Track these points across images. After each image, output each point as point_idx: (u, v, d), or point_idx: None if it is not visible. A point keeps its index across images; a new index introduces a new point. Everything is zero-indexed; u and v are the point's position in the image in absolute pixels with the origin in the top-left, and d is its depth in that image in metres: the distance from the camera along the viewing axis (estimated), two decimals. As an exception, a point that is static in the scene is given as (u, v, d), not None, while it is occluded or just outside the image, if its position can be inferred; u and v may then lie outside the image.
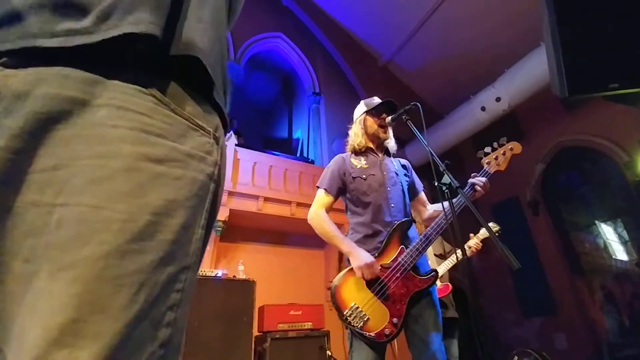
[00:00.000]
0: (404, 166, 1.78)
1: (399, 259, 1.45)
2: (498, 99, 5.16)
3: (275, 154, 5.51)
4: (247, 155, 4.95)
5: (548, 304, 5.46)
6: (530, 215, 6.00)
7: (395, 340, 1.41)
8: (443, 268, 2.75)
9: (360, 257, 1.43)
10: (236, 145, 4.86)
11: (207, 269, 3.97)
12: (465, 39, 5.94)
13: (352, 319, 1.40)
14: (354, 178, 1.63)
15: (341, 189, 1.66)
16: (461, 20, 5.74)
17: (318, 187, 1.69)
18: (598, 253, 5.31)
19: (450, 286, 2.71)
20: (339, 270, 5.03)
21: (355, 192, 1.62)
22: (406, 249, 1.47)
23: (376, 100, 1.78)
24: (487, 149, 1.70)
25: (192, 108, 0.46)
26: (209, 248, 4.32)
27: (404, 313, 1.38)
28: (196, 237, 0.43)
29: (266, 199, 4.67)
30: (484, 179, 1.58)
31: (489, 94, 5.28)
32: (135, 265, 0.34)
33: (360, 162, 1.68)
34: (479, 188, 1.54)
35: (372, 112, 1.75)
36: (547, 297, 5.49)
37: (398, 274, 1.42)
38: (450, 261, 2.65)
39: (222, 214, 4.27)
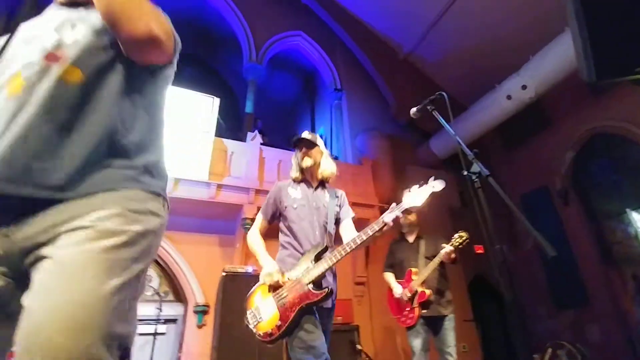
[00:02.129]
0: (337, 197, 1.94)
1: (302, 276, 1.64)
2: (524, 87, 4.98)
3: (299, 152, 5.57)
4: (272, 154, 5.04)
5: (580, 295, 5.30)
6: (561, 204, 5.78)
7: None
8: (425, 272, 2.78)
9: (265, 267, 1.69)
10: (261, 144, 4.95)
11: (238, 265, 4.09)
12: (487, 27, 5.73)
13: (250, 319, 1.66)
14: (285, 207, 1.85)
15: (274, 214, 1.90)
16: (482, 8, 5.55)
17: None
18: (630, 242, 5.08)
19: (427, 293, 2.76)
20: (366, 265, 5.05)
21: (286, 219, 1.85)
22: (312, 267, 1.65)
23: (303, 135, 1.96)
24: (414, 187, 1.84)
25: None
26: (238, 245, 4.43)
27: (289, 319, 1.55)
28: None
29: (292, 196, 4.74)
30: (396, 214, 1.72)
31: (514, 82, 5.10)
32: None
33: (295, 192, 1.89)
34: (391, 223, 1.69)
35: (295, 147, 1.95)
36: (579, 289, 5.32)
37: (298, 286, 1.61)
38: (431, 266, 2.77)
39: (251, 212, 4.36)
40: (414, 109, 1.84)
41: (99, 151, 0.72)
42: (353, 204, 4.85)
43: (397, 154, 6.14)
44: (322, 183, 1.98)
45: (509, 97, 5.19)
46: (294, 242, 1.79)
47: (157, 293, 4.35)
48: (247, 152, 4.80)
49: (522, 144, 6.69)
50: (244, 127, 5.46)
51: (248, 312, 1.68)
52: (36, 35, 0.78)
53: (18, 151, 0.65)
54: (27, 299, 0.58)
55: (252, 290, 1.75)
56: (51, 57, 0.74)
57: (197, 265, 4.39)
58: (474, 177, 1.37)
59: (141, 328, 4.05)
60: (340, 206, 1.94)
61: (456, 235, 2.72)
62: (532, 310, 5.91)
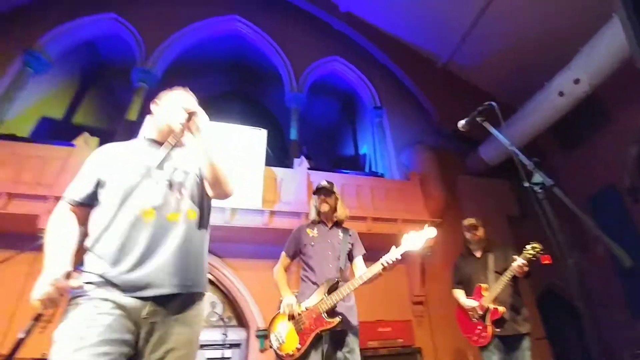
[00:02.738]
0: (349, 235, 2.22)
1: (318, 305, 1.93)
2: (577, 81, 4.64)
3: (345, 172, 5.63)
4: (319, 177, 5.13)
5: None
6: (631, 202, 5.23)
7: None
8: (496, 287, 2.61)
9: (285, 299, 2.02)
10: (308, 168, 5.09)
11: (295, 289, 4.17)
12: (527, 24, 5.50)
13: (273, 341, 1.97)
14: (304, 244, 2.18)
15: (295, 252, 2.25)
16: (520, 6, 5.35)
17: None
18: None
19: (500, 310, 2.59)
20: (423, 284, 4.87)
21: (305, 255, 2.17)
22: (326, 299, 1.93)
23: (322, 183, 2.29)
24: (411, 232, 2.04)
25: None
26: (295, 269, 4.52)
27: (307, 343, 1.85)
28: None
29: (343, 217, 4.77)
30: (394, 258, 1.92)
31: (565, 77, 4.79)
32: None
33: (313, 232, 2.20)
34: (387, 266, 1.90)
35: (315, 194, 2.27)
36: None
37: (314, 315, 1.92)
38: (502, 280, 2.61)
39: (303, 236, 4.46)
40: (462, 122, 1.80)
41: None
42: (403, 221, 4.85)
43: (445, 166, 5.96)
44: (337, 223, 2.26)
45: (561, 94, 4.87)
46: (311, 276, 2.08)
47: (222, 319, 4.56)
48: (296, 177, 4.97)
49: (582, 142, 6.19)
50: (290, 154, 5.67)
51: (271, 335, 1.99)
52: (148, 167, 1.19)
53: (177, 265, 1.10)
54: None
55: (274, 316, 2.07)
56: (176, 199, 1.19)
57: (257, 290, 4.54)
58: (536, 188, 1.30)
59: (208, 353, 4.25)
60: (352, 244, 2.20)
61: (528, 247, 2.53)
62: (607, 319, 5.34)
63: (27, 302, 3.06)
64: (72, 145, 4.31)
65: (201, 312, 1.21)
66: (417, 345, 4.29)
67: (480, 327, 2.64)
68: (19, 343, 1.05)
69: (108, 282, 1.02)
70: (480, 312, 2.63)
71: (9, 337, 3.54)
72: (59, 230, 1.16)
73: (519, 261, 2.51)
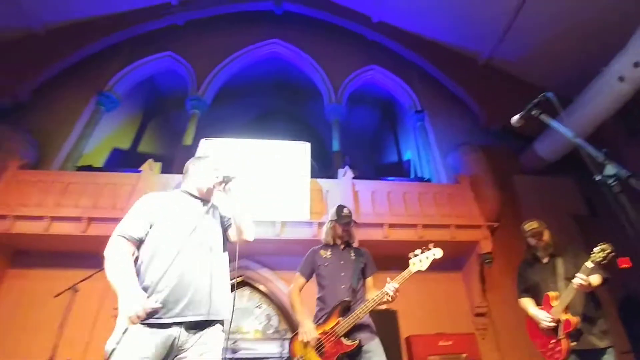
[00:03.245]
0: (361, 255, 2.29)
1: (335, 328, 2.00)
2: (637, 64, 4.22)
3: (390, 180, 5.56)
4: (364, 186, 5.14)
5: None
6: None
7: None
8: (567, 295, 2.29)
9: (303, 325, 2.08)
10: (353, 178, 5.12)
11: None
12: (573, 10, 5.13)
13: None
14: (318, 265, 2.26)
15: (311, 272, 2.31)
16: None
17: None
18: None
19: (573, 321, 2.28)
20: (484, 294, 4.57)
21: (319, 277, 2.24)
22: (342, 321, 2.00)
23: (345, 211, 2.37)
24: (417, 251, 2.13)
25: None
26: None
27: None
28: None
29: (390, 226, 4.67)
30: (395, 286, 1.99)
31: (623, 62, 4.42)
32: None
33: (326, 253, 2.28)
34: (389, 299, 1.97)
35: (338, 222, 2.32)
36: None
37: (333, 338, 1.98)
38: (572, 289, 2.28)
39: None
40: (515, 117, 1.69)
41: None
42: (456, 227, 4.63)
43: (497, 166, 5.63)
44: (349, 244, 2.35)
45: (621, 79, 4.45)
46: (325, 297, 2.16)
47: (277, 331, 4.67)
48: (341, 188, 5.01)
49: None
50: (333, 165, 5.75)
51: (295, 358, 2.05)
52: (191, 216, 1.57)
53: (210, 297, 1.45)
54: None
55: (293, 339, 2.15)
56: (208, 254, 1.52)
57: (310, 303, 4.58)
58: (610, 181, 1.20)
59: (268, 366, 4.35)
60: (365, 264, 2.26)
61: (597, 249, 2.19)
62: None
63: (106, 314, 3.43)
64: (139, 171, 4.81)
65: (217, 337, 1.51)
66: (484, 360, 4.02)
67: (554, 341, 2.39)
68: (112, 352, 1.24)
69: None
70: (552, 324, 2.39)
71: (92, 344, 3.94)
72: (124, 260, 1.42)
73: (577, 279, 2.20)
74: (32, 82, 5.81)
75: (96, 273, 3.15)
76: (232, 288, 1.60)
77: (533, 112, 1.61)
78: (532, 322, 2.55)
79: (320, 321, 2.10)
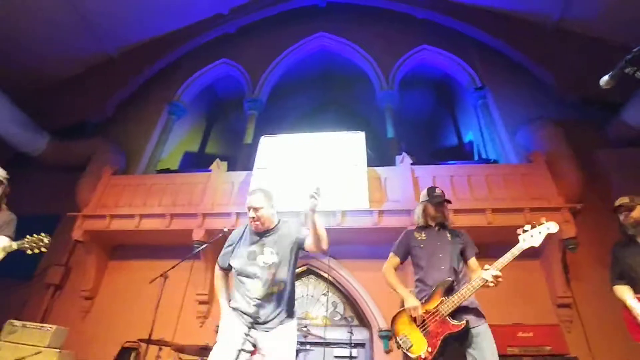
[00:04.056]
0: (458, 236, 2.19)
1: (439, 307, 1.92)
2: None
3: (451, 164, 5.30)
4: (424, 171, 4.97)
5: None
6: None
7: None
8: None
9: (409, 301, 2.00)
10: (411, 164, 4.98)
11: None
12: None
13: (402, 343, 1.95)
14: (413, 247, 2.21)
15: (405, 253, 2.27)
16: None
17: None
18: None
19: None
20: (568, 283, 4.15)
21: (415, 257, 2.20)
22: (446, 300, 1.92)
23: (437, 191, 2.29)
24: (527, 227, 1.96)
25: None
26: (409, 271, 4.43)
27: (436, 347, 1.84)
28: None
29: (456, 211, 4.43)
30: (494, 273, 1.86)
31: None
32: None
33: (421, 235, 2.23)
34: (490, 284, 1.86)
35: (430, 202, 2.26)
36: None
37: (437, 318, 1.91)
38: None
39: (414, 233, 4.35)
40: (604, 79, 1.46)
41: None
42: (531, 210, 4.26)
43: (578, 140, 5.04)
44: (444, 225, 2.25)
45: None
46: (424, 278, 2.08)
47: (345, 318, 4.77)
48: (399, 175, 4.91)
49: None
50: (389, 152, 5.64)
51: (398, 338, 1.99)
52: (256, 249, 1.87)
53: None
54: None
55: (395, 318, 2.07)
56: (270, 277, 1.79)
57: (374, 290, 4.61)
58: None
59: (336, 351, 4.48)
60: (463, 245, 2.17)
61: None
62: None
63: (190, 298, 3.82)
64: (209, 170, 5.26)
65: (288, 332, 1.80)
66: (571, 355, 3.65)
67: None
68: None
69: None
70: None
71: (179, 326, 4.43)
72: (222, 282, 1.98)
73: None
74: (115, 99, 6.65)
75: (180, 263, 3.53)
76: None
77: (627, 70, 1.40)
78: (629, 313, 2.25)
79: (422, 302, 2.01)
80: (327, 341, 4.29)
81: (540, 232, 1.91)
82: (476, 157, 6.33)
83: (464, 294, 1.90)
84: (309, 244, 1.85)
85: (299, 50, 7.29)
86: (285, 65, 7.22)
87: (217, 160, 5.34)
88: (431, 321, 1.91)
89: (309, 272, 4.97)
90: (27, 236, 1.91)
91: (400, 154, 5.12)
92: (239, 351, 1.64)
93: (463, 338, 1.90)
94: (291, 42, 7.26)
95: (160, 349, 3.42)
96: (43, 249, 1.95)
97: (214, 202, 4.87)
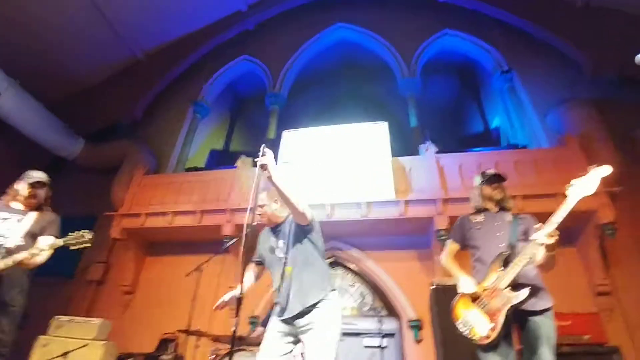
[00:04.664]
0: (521, 218, 2.08)
1: (496, 282, 1.85)
2: None
3: (477, 151, 5.17)
4: (449, 159, 4.87)
5: None
6: None
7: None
8: None
9: (462, 281, 1.99)
10: (436, 152, 4.90)
11: (440, 277, 4.03)
12: None
13: (462, 328, 1.88)
14: (469, 229, 2.15)
15: (463, 237, 2.19)
16: None
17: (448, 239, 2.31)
18: None
19: None
20: (606, 270, 4.02)
21: (471, 240, 2.13)
22: (502, 274, 1.84)
23: (489, 171, 2.21)
24: (573, 181, 1.84)
25: None
26: (437, 258, 4.38)
27: (500, 322, 1.74)
28: None
29: (485, 199, 4.36)
30: (547, 230, 1.73)
31: None
32: None
33: (477, 218, 2.16)
34: (549, 241, 1.71)
35: (486, 183, 2.17)
36: None
37: (495, 292, 1.82)
38: None
39: (442, 223, 4.29)
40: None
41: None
42: (565, 196, 4.08)
43: (614, 120, 4.79)
44: (504, 208, 2.14)
45: None
46: (481, 256, 2.01)
47: (373, 308, 4.80)
48: (424, 164, 4.84)
49: None
50: (413, 141, 5.57)
51: (457, 323, 1.92)
52: (273, 244, 1.92)
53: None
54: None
55: (453, 303, 2.01)
56: (284, 261, 1.82)
57: (402, 280, 4.61)
58: None
59: (366, 341, 4.53)
60: (526, 227, 2.02)
61: None
62: None
63: (224, 290, 3.95)
64: (235, 167, 5.38)
65: (322, 313, 1.72)
66: (611, 344, 3.53)
67: None
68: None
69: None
70: None
71: (214, 315, 4.60)
72: (248, 274, 2.06)
73: None
74: (143, 102, 6.90)
75: (213, 257, 3.67)
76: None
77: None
78: None
79: (479, 280, 1.96)
80: (357, 331, 4.34)
81: (591, 179, 1.77)
82: (504, 143, 6.14)
83: (518, 262, 1.79)
84: (292, 214, 1.82)
85: (317, 43, 7.26)
86: (304, 59, 7.22)
87: (242, 156, 5.45)
88: (489, 297, 1.83)
89: (336, 263, 5.03)
90: (70, 233, 2.01)
91: (425, 143, 5.04)
92: (281, 355, 1.70)
93: (524, 318, 1.80)
94: (310, 35, 7.24)
95: (198, 339, 3.59)
96: (86, 245, 2.00)
97: (241, 197, 5.00)
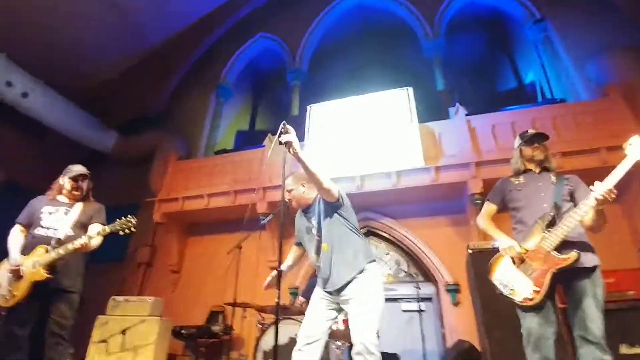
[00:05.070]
0: (566, 178, 1.96)
1: (540, 243, 1.77)
2: None
3: (511, 109, 4.92)
4: (481, 121, 4.69)
5: None
6: None
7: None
8: None
9: (503, 242, 1.88)
10: (466, 115, 4.72)
11: (476, 241, 3.99)
12: None
13: (502, 289, 1.84)
14: (510, 191, 2.05)
15: (502, 199, 2.10)
16: None
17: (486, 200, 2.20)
18: None
19: None
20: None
21: (512, 202, 2.03)
22: (547, 235, 1.76)
23: (529, 131, 2.10)
24: (632, 140, 1.70)
25: None
26: (473, 222, 4.34)
27: (546, 284, 1.71)
28: None
29: (521, 159, 4.20)
30: (607, 187, 1.62)
31: None
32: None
33: (518, 180, 2.06)
34: (605, 198, 1.62)
35: (526, 143, 2.06)
36: None
37: (540, 254, 1.76)
38: None
39: (476, 186, 4.20)
40: None
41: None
42: (608, 150, 3.88)
43: (661, 67, 4.36)
44: (546, 168, 2.04)
45: None
46: (523, 217, 1.92)
47: (409, 274, 4.89)
48: (454, 127, 4.70)
49: None
50: (441, 105, 5.38)
51: (497, 284, 1.88)
52: (307, 224, 1.97)
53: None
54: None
55: (492, 264, 1.94)
56: (319, 240, 1.86)
57: (437, 246, 4.62)
58: None
59: (404, 305, 4.66)
60: (573, 187, 1.93)
61: None
62: None
63: (263, 266, 4.17)
64: (262, 146, 5.46)
65: (363, 282, 1.75)
66: (656, 299, 3.42)
67: None
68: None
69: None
70: None
71: (257, 289, 4.84)
72: (291, 255, 2.17)
73: None
74: (167, 90, 7.05)
75: (252, 234, 3.84)
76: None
77: None
78: None
79: (521, 242, 1.86)
80: (395, 296, 4.46)
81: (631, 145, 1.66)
82: (540, 99, 5.79)
83: (569, 223, 1.70)
84: (318, 191, 1.84)
85: (334, 11, 7.01)
86: (322, 30, 7.02)
87: (269, 135, 5.51)
88: (533, 259, 1.77)
89: (369, 233, 5.10)
90: (117, 219, 2.13)
91: (454, 106, 4.86)
92: (325, 320, 1.78)
93: (569, 277, 1.73)
94: (325, 4, 6.99)
95: (244, 310, 3.83)
96: (132, 229, 2.09)
97: (271, 175, 5.10)
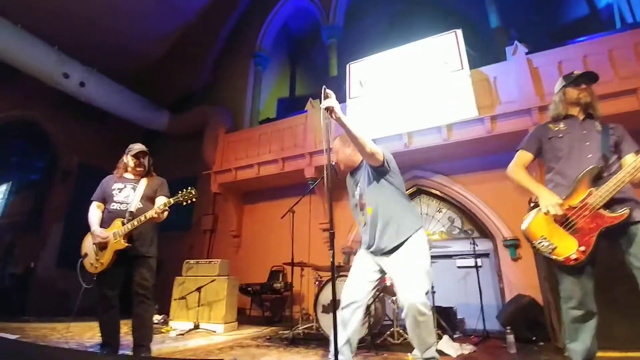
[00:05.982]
0: (611, 127, 1.79)
1: (587, 200, 1.61)
2: None
3: (583, 40, 4.26)
4: (545, 59, 4.14)
5: None
6: None
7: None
8: None
9: (545, 197, 1.68)
10: (526, 53, 4.19)
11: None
12: None
13: (541, 247, 1.68)
14: (549, 138, 1.84)
15: (539, 148, 1.88)
16: None
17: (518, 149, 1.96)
18: None
19: None
20: None
21: (551, 150, 1.83)
22: (595, 191, 1.61)
23: (575, 72, 1.85)
24: None
25: None
26: (535, 174, 4.00)
27: (592, 244, 1.58)
28: None
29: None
30: None
31: None
32: None
33: (558, 126, 1.86)
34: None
35: (572, 84, 1.84)
36: None
37: (587, 212, 1.61)
38: None
39: (538, 133, 3.82)
40: None
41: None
42: None
43: None
44: (590, 115, 1.84)
45: None
46: (561, 169, 1.76)
47: (463, 231, 4.76)
48: (512, 70, 4.21)
49: None
50: (496, 45, 4.82)
51: (536, 241, 1.71)
52: (355, 187, 1.93)
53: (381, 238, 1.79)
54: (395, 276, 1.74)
55: (529, 220, 1.75)
56: (363, 204, 1.86)
57: (493, 201, 4.39)
58: None
59: (459, 262, 4.59)
60: (619, 137, 1.76)
61: None
62: None
63: (315, 228, 4.31)
64: (305, 111, 5.45)
65: (409, 246, 1.74)
66: None
67: None
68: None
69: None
70: None
71: (311, 249, 5.10)
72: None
73: None
74: (207, 64, 7.20)
75: (302, 198, 3.95)
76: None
77: None
78: None
79: (560, 197, 1.70)
80: (449, 253, 4.40)
81: None
82: (618, 25, 4.91)
83: (622, 179, 1.55)
84: (362, 156, 1.81)
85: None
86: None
87: (310, 99, 5.46)
88: (579, 217, 1.62)
89: (419, 192, 4.99)
90: (178, 192, 2.29)
91: (512, 44, 4.32)
92: (368, 282, 1.78)
93: (619, 235, 1.60)
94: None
95: (302, 269, 4.07)
96: (194, 199, 2.24)
97: (316, 140, 5.11)
